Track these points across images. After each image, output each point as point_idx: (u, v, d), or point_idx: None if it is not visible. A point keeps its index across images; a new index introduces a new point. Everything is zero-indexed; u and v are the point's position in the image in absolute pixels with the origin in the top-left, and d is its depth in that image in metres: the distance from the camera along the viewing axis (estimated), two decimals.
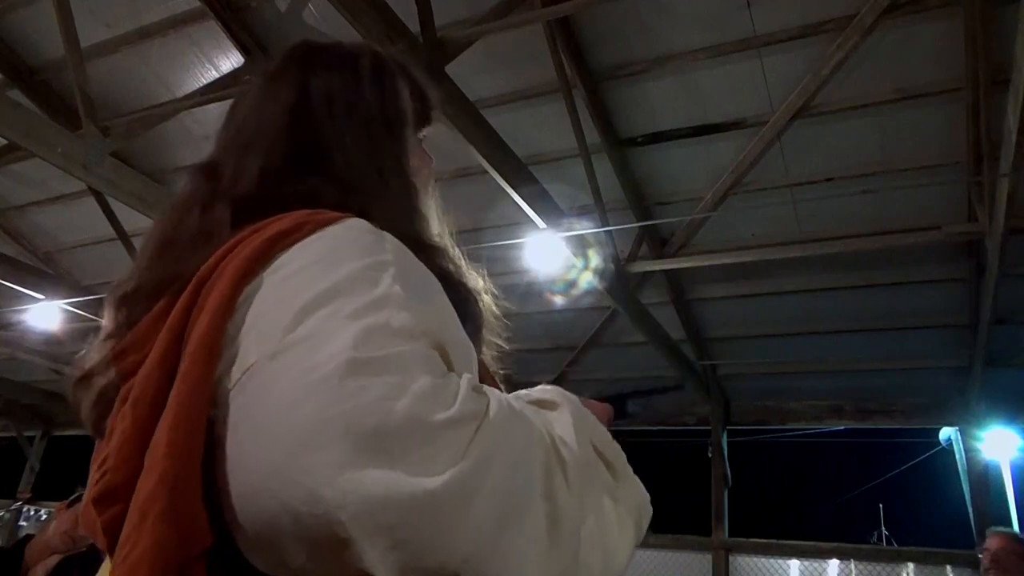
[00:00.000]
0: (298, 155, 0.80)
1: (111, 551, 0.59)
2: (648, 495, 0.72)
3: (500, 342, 0.90)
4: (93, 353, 0.77)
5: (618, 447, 0.72)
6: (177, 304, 0.64)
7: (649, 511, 0.72)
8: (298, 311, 0.58)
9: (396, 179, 0.85)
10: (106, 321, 0.77)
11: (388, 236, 0.68)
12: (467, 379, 0.58)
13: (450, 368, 0.60)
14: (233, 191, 0.77)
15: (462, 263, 0.86)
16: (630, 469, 0.71)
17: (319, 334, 0.56)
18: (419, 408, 0.53)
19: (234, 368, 0.58)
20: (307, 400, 0.53)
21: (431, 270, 0.70)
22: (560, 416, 0.68)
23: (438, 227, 0.91)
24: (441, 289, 0.70)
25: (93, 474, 0.69)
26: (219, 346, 0.59)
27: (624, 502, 0.67)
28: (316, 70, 0.87)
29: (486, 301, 0.86)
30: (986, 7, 3.22)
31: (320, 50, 0.91)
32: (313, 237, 0.64)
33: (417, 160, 0.91)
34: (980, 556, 3.90)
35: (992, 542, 3.80)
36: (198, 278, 0.64)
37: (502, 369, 0.90)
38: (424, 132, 0.96)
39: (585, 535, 0.60)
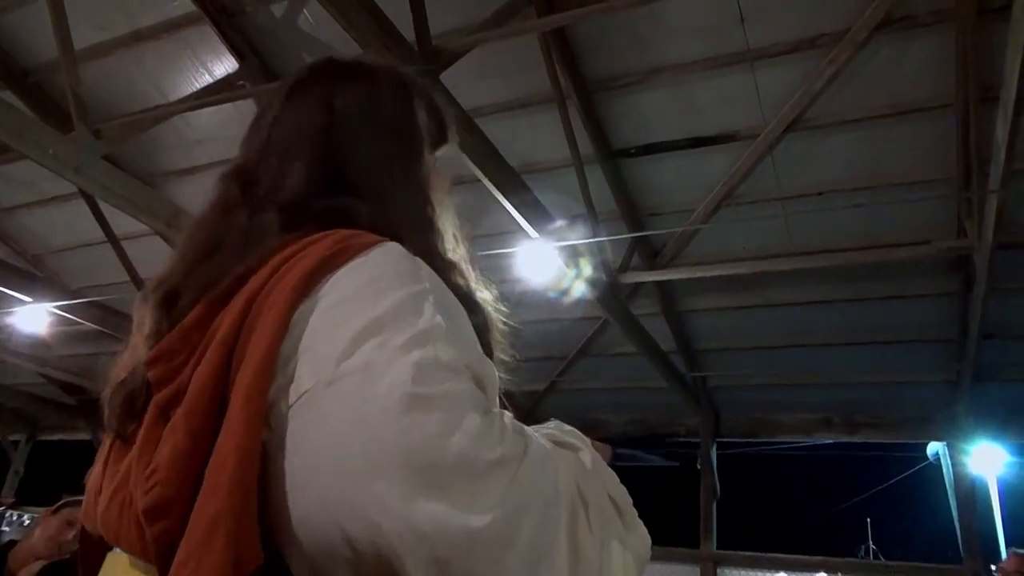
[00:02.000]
0: (329, 167, 0.83)
1: (160, 562, 0.60)
2: (649, 541, 0.74)
3: (506, 356, 0.91)
4: (130, 354, 0.78)
5: (626, 493, 0.74)
6: (226, 317, 0.65)
7: (647, 558, 0.73)
8: (350, 339, 0.60)
9: (413, 194, 0.88)
10: (145, 321, 0.77)
11: (421, 262, 0.70)
12: (509, 418, 0.63)
13: (488, 399, 0.64)
14: (278, 197, 0.79)
15: (472, 277, 0.89)
16: (636, 514, 0.74)
17: (374, 365, 0.58)
18: (470, 447, 0.56)
19: (290, 391, 0.60)
20: (367, 431, 0.55)
21: (453, 291, 0.73)
22: (582, 460, 0.71)
23: (453, 242, 0.93)
24: (465, 314, 0.72)
25: (112, 480, 0.71)
26: (273, 368, 0.61)
27: (632, 549, 0.69)
28: (341, 85, 0.90)
29: (494, 317, 0.87)
30: (977, 24, 3.26)
31: (344, 66, 0.95)
32: (357, 261, 0.67)
33: (433, 178, 0.95)
34: (995, 572, 3.88)
35: (1010, 563, 3.78)
36: (250, 292, 0.66)
37: (509, 382, 0.91)
38: (440, 151, 1.00)
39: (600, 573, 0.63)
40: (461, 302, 0.74)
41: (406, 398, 0.56)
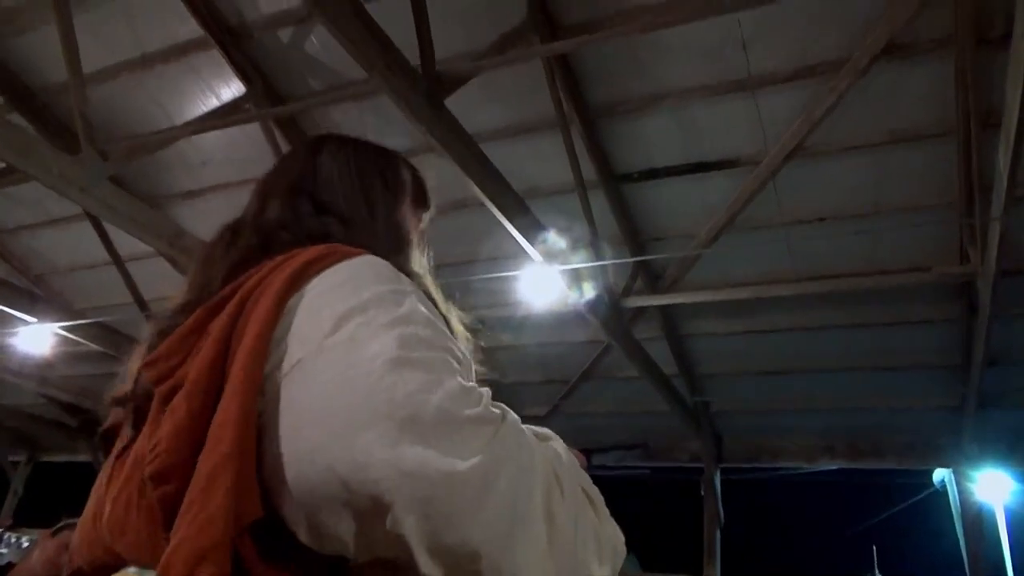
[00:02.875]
0: (317, 201, 0.95)
1: (167, 523, 0.64)
2: (623, 538, 0.77)
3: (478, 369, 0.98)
4: (131, 367, 0.84)
5: (599, 493, 0.78)
6: (222, 316, 0.72)
7: (623, 553, 0.77)
8: (336, 319, 0.67)
9: (389, 229, 0.99)
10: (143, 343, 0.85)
11: (401, 274, 0.78)
12: (487, 392, 0.68)
13: (467, 376, 0.70)
14: (258, 226, 0.91)
15: (440, 299, 0.96)
16: (608, 513, 0.77)
17: (358, 337, 0.65)
18: (449, 403, 0.62)
19: (283, 364, 0.66)
20: (353, 389, 0.61)
21: None
22: (557, 449, 0.76)
23: (425, 272, 1.01)
24: (440, 317, 0.79)
25: (115, 488, 0.74)
26: (267, 348, 0.67)
27: (605, 542, 0.73)
28: (328, 144, 1.05)
29: (461, 331, 0.95)
30: (977, 51, 3.28)
31: (334, 134, 1.10)
32: (340, 265, 0.75)
33: (411, 226, 1.05)
34: None
35: None
36: (242, 294, 0.73)
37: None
38: (422, 215, 1.11)
39: (579, 554, 0.67)
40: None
41: (391, 360, 0.62)
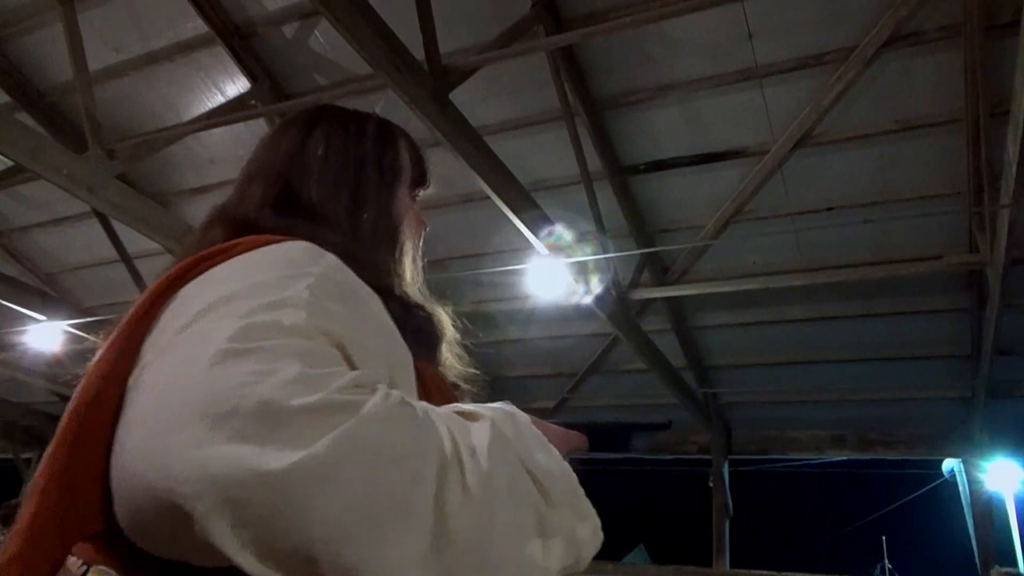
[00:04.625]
0: (290, 191, 0.88)
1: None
2: (594, 522, 0.69)
3: (459, 365, 0.95)
4: None
5: (560, 471, 0.69)
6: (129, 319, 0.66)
7: (590, 541, 0.68)
8: (195, 314, 0.61)
9: (375, 223, 0.91)
10: None
11: (329, 255, 0.71)
12: (353, 375, 0.58)
13: (352, 368, 0.61)
14: (229, 215, 0.85)
15: (422, 296, 0.92)
16: (574, 495, 0.69)
17: (205, 331, 0.58)
18: (277, 393, 0.53)
19: (135, 369, 0.61)
20: (176, 388, 0.55)
21: (388, 307, 0.75)
22: (479, 428, 0.65)
23: (411, 274, 0.96)
24: (380, 306, 0.73)
25: None
26: (130, 351, 0.62)
27: (555, 529, 0.64)
28: (323, 122, 0.96)
29: (444, 321, 0.90)
30: (985, 39, 3.26)
31: (331, 107, 1.01)
32: (243, 255, 0.68)
33: (407, 214, 0.99)
34: None
35: None
36: (143, 298, 0.67)
37: (466, 384, 0.95)
38: (419, 192, 1.04)
39: (497, 546, 0.58)
40: (403, 307, 0.77)
41: (219, 352, 0.55)
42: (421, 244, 1.03)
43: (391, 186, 0.96)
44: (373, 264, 0.82)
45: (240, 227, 0.80)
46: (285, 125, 0.98)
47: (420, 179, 1.03)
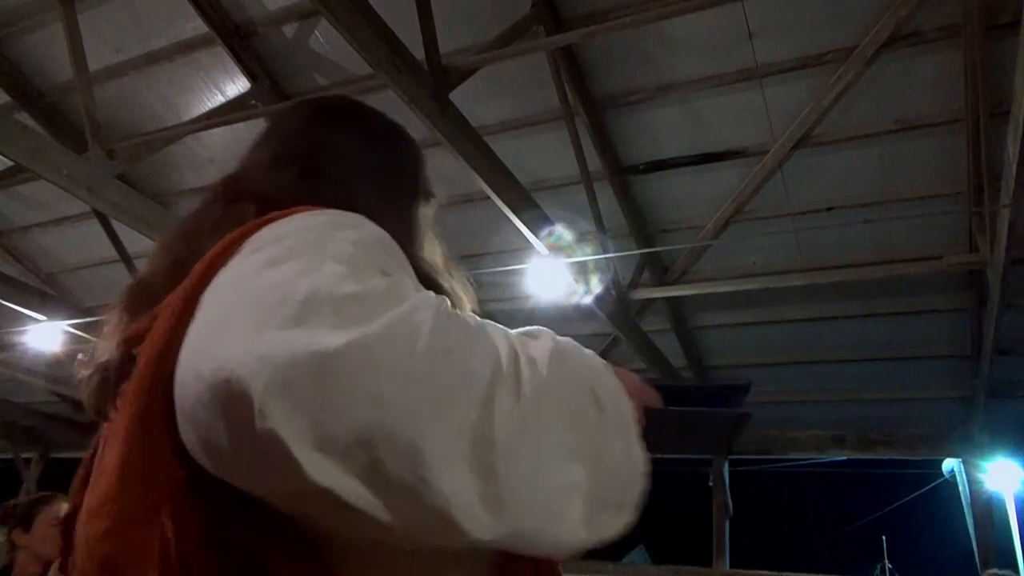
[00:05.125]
0: (313, 170, 0.87)
1: None
2: (643, 457, 0.67)
3: None
4: (101, 345, 0.79)
5: (622, 400, 0.68)
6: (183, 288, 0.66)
7: (639, 476, 0.66)
8: (250, 248, 0.62)
9: (397, 217, 0.88)
10: (113, 313, 0.79)
11: (365, 219, 0.70)
12: (397, 280, 0.60)
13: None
14: (257, 191, 0.81)
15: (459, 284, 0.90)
16: (632, 431, 0.67)
17: (258, 250, 0.60)
18: (325, 282, 0.54)
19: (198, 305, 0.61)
20: (227, 291, 0.58)
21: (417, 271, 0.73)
22: (539, 343, 0.64)
23: (441, 265, 0.95)
24: (410, 268, 0.71)
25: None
26: (189, 311, 0.60)
27: (607, 457, 0.62)
28: (357, 121, 0.96)
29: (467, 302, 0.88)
30: (985, 39, 3.26)
31: (361, 108, 1.00)
32: (288, 219, 0.67)
33: (423, 226, 0.97)
34: None
35: None
36: (209, 261, 0.66)
37: None
38: (425, 208, 1.00)
39: (527, 454, 0.56)
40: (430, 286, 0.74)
41: (268, 259, 0.58)
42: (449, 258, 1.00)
43: (414, 201, 0.96)
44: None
45: (270, 203, 0.76)
46: (302, 109, 0.97)
47: (427, 194, 1.01)
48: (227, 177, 0.89)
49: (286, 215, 0.68)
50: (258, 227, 0.66)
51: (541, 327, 0.70)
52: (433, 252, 0.97)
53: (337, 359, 0.50)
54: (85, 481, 0.79)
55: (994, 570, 3.97)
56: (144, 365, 0.60)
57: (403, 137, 0.99)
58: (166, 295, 0.66)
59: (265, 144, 0.94)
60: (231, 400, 0.50)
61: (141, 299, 0.74)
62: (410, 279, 0.68)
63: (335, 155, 0.90)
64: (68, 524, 0.80)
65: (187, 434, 0.56)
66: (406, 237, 0.89)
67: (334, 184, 0.86)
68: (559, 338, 0.68)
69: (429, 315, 0.56)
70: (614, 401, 0.66)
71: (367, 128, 0.96)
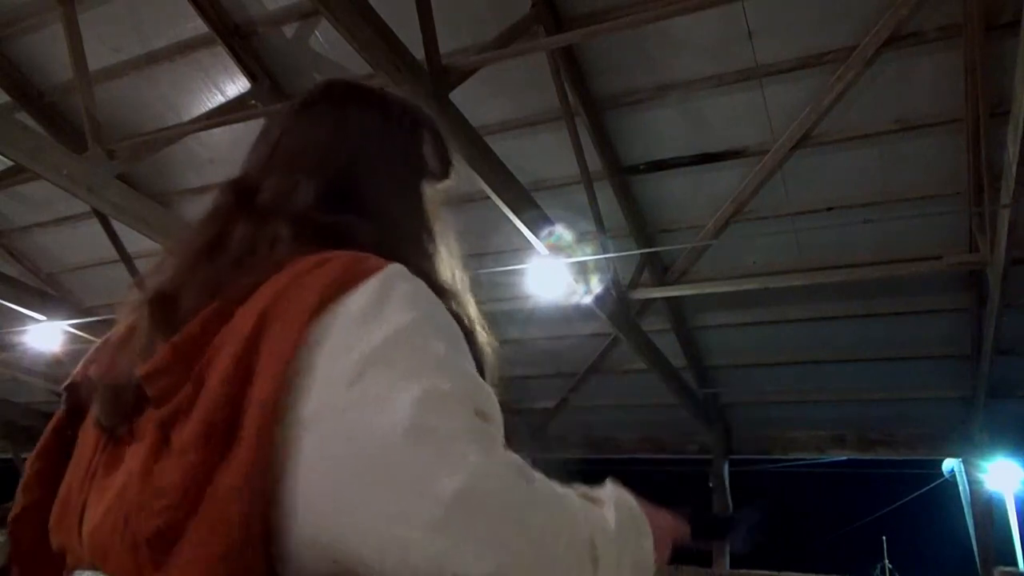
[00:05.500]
0: (337, 184, 0.83)
1: (156, 565, 0.59)
2: None
3: (496, 386, 0.91)
4: (118, 348, 0.76)
5: (647, 563, 0.74)
6: (234, 331, 0.64)
7: None
8: (357, 362, 0.60)
9: (416, 220, 0.89)
10: (139, 322, 0.74)
11: (422, 285, 0.71)
12: (516, 459, 0.63)
13: (491, 426, 0.65)
14: (287, 209, 0.78)
15: (471, 306, 0.87)
16: None
17: (382, 393, 0.59)
18: (473, 483, 0.56)
19: (302, 411, 0.59)
20: (368, 458, 0.57)
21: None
22: (606, 515, 0.70)
23: (450, 272, 0.92)
24: (463, 338, 0.72)
25: (102, 496, 0.68)
26: (289, 384, 0.60)
27: None
28: (355, 108, 0.91)
29: (487, 350, 0.86)
30: (986, 40, 3.26)
31: (358, 90, 0.96)
32: (368, 283, 0.66)
33: (433, 209, 0.94)
34: None
35: None
36: (262, 307, 0.64)
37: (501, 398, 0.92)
38: (441, 186, 0.98)
39: None
40: (462, 331, 0.73)
41: (410, 430, 0.57)
42: (455, 238, 0.98)
43: (420, 180, 0.93)
44: (427, 273, 0.79)
45: (303, 226, 0.75)
46: (308, 109, 0.92)
47: (444, 171, 0.98)
48: (239, 183, 0.85)
49: (351, 279, 0.66)
50: (331, 289, 0.65)
51: (608, 487, 0.77)
52: (447, 239, 0.94)
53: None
54: (40, 476, 0.78)
55: (1002, 568, 3.96)
56: (248, 476, 0.58)
57: (396, 108, 0.95)
58: (193, 316, 0.66)
59: (274, 146, 0.89)
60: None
61: (166, 315, 0.71)
62: (471, 368, 0.70)
63: (361, 159, 0.87)
64: (17, 524, 0.78)
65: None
66: (427, 239, 0.89)
67: (350, 191, 0.84)
68: (620, 506, 0.73)
69: (550, 503, 0.62)
70: (643, 566, 0.73)
71: (387, 117, 0.92)
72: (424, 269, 0.78)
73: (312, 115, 0.91)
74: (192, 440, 0.60)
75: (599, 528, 0.66)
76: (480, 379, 0.70)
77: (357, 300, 0.65)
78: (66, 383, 0.83)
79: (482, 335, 0.85)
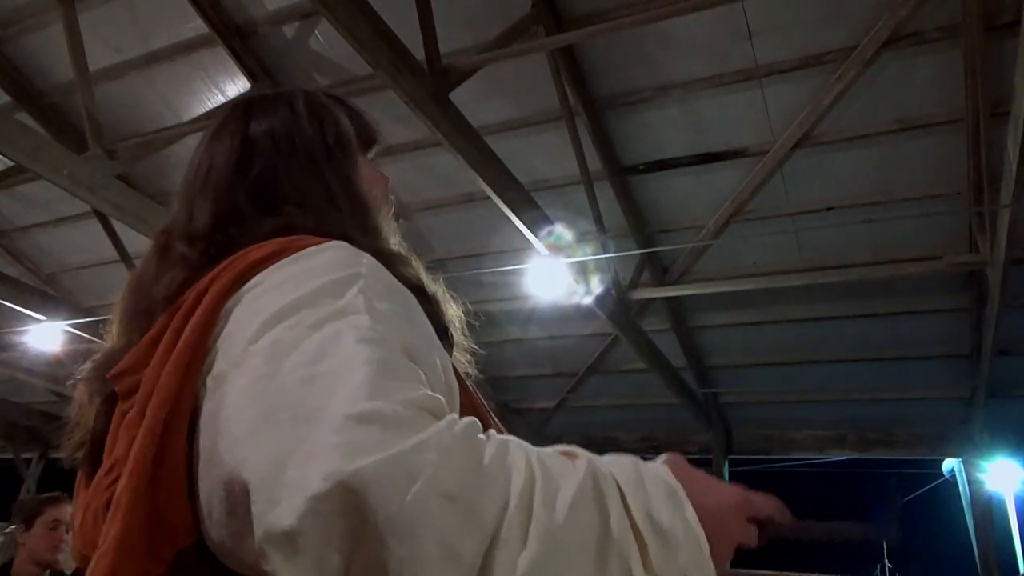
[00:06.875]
0: (253, 192, 0.86)
1: None
2: None
3: (464, 339, 0.93)
4: (88, 374, 0.83)
5: (684, 532, 0.61)
6: (171, 325, 0.68)
7: None
8: (262, 323, 0.62)
9: (347, 199, 0.89)
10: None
11: (362, 254, 0.72)
12: (421, 395, 0.57)
13: (425, 379, 0.62)
14: (191, 230, 0.82)
15: (420, 266, 0.89)
16: (698, 563, 0.61)
17: (280, 343, 0.60)
18: (345, 404, 0.53)
19: (208, 377, 0.63)
20: (264, 405, 0.57)
21: (402, 282, 0.75)
22: (571, 472, 0.59)
23: (394, 240, 0.94)
24: (419, 306, 0.74)
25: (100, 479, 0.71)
26: (198, 357, 0.64)
27: None
28: (256, 116, 0.93)
29: (443, 302, 0.87)
30: (985, 40, 3.26)
31: (257, 99, 0.97)
32: (290, 258, 0.69)
33: (369, 180, 0.96)
34: None
35: None
36: (195, 296, 0.69)
37: (470, 364, 0.94)
38: (372, 153, 1.02)
39: None
40: (420, 295, 0.76)
41: (306, 377, 0.56)
42: (390, 197, 1.02)
43: (346, 154, 0.93)
44: (373, 246, 0.79)
45: (217, 240, 0.80)
46: (217, 131, 0.94)
47: (368, 139, 1.00)
48: (167, 224, 0.89)
49: (275, 257, 0.69)
50: (254, 267, 0.69)
51: (618, 457, 0.66)
52: (383, 214, 0.96)
53: (326, 502, 0.49)
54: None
55: None
56: (146, 432, 0.61)
57: (297, 100, 0.96)
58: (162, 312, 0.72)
59: (198, 171, 0.92)
60: (243, 501, 0.54)
61: (139, 310, 0.78)
62: (415, 326, 0.69)
63: (278, 160, 0.88)
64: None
65: (214, 527, 0.59)
66: (360, 209, 0.90)
67: (297, 194, 0.86)
68: (598, 466, 0.61)
69: (433, 457, 0.52)
70: (664, 535, 0.60)
71: (294, 113, 0.93)
72: (368, 240, 0.82)
73: (216, 139, 0.93)
74: (134, 418, 0.64)
75: (544, 478, 0.56)
76: (424, 335, 0.71)
77: (277, 272, 0.68)
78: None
79: (440, 294, 0.87)
